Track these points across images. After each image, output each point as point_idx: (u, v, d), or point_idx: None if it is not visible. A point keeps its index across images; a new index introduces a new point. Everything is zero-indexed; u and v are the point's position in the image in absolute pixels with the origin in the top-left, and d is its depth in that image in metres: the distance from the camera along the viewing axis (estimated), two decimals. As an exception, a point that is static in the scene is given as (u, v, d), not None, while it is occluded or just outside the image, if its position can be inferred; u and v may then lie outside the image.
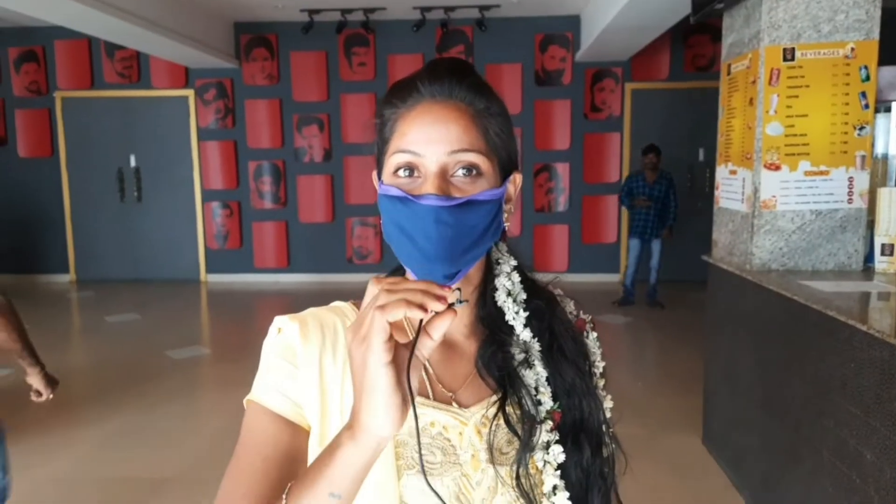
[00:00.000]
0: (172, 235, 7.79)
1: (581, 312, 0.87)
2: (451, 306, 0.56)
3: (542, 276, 0.85)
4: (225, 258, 7.77)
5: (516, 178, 0.77)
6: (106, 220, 7.77)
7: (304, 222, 7.64)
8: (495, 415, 0.73)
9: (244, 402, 0.75)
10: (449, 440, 0.73)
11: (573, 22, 7.19)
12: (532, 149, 7.34)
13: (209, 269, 7.83)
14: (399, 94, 0.73)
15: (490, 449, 0.73)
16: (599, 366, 0.84)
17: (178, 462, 3.26)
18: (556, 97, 7.32)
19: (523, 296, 0.79)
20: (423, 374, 0.75)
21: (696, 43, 7.15)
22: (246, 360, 4.04)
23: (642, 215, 6.27)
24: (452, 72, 0.73)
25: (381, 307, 0.53)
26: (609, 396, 0.84)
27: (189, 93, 7.53)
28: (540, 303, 0.80)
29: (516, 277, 0.79)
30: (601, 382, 0.84)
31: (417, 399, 0.72)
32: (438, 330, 0.57)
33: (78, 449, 3.30)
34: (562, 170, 7.44)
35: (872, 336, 1.94)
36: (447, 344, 0.79)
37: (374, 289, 0.57)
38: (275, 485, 0.66)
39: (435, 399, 0.75)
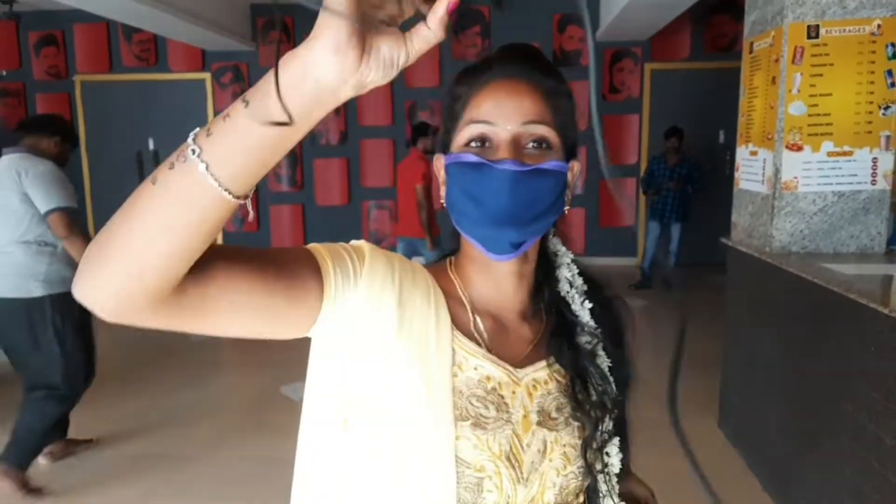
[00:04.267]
0: (191, 218, 7.85)
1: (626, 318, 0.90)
2: None
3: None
4: (242, 241, 7.83)
5: (574, 167, 0.79)
6: (126, 204, 7.83)
7: (321, 205, 7.66)
8: (574, 408, 0.77)
9: None
10: (502, 397, 0.74)
11: (592, 0, 7.08)
12: (549, 131, 7.28)
13: (227, 252, 7.89)
14: (473, 73, 0.76)
15: (541, 412, 0.75)
16: None
17: (199, 441, 3.32)
18: (575, 78, 7.01)
19: (584, 287, 0.84)
20: (480, 328, 0.77)
21: (717, 22, 6.97)
22: (266, 343, 4.08)
23: (662, 198, 6.20)
24: (524, 54, 0.77)
25: None
26: None
27: (206, 76, 7.55)
28: (607, 296, 0.85)
29: (574, 269, 0.84)
30: None
31: (476, 349, 0.74)
32: (436, 14, 0.48)
33: (100, 427, 3.37)
34: (579, 152, 7.36)
35: (894, 319, 1.91)
36: (501, 323, 0.79)
37: None
38: (254, 261, 0.64)
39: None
